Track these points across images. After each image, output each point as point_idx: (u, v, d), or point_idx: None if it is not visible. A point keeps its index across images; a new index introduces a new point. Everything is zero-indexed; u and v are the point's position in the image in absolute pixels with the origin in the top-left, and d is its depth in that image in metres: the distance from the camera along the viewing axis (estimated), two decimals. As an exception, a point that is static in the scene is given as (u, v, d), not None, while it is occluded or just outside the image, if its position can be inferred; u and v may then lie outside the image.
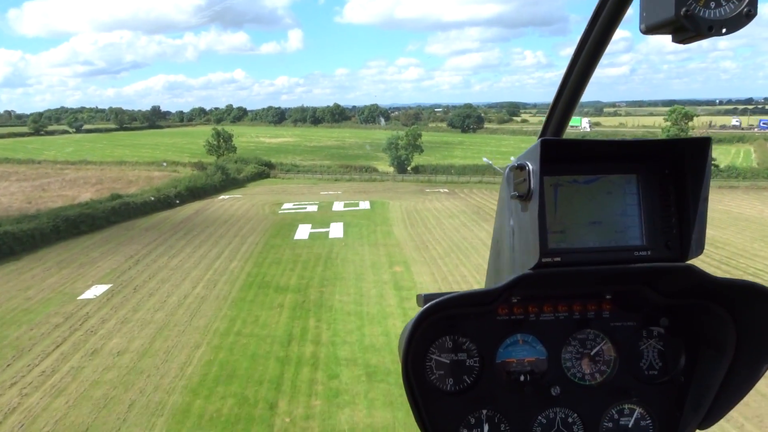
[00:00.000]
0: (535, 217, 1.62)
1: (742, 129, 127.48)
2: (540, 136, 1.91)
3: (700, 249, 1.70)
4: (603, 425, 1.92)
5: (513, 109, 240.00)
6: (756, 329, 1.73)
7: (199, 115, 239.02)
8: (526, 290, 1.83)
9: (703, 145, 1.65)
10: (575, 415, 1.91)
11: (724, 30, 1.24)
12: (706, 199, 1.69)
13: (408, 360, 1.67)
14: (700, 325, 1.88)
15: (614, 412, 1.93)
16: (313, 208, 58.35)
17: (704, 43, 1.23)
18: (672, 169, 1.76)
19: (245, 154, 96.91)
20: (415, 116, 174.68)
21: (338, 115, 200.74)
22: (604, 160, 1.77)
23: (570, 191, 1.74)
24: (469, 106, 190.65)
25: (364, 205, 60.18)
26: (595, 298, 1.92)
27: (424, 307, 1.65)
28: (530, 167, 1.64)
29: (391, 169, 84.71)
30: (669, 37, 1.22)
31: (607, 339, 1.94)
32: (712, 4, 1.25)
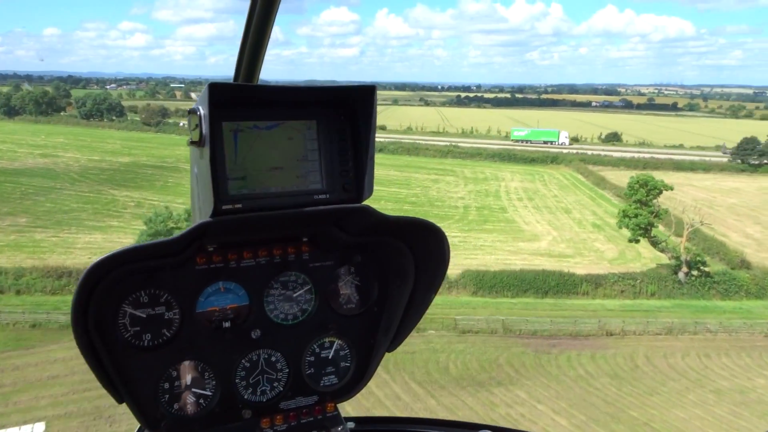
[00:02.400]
0: (207, 165, 1.56)
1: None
2: (233, 80, 2.04)
3: (370, 190, 1.84)
4: (305, 360, 2.05)
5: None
6: (429, 259, 2.01)
7: None
8: (214, 238, 1.81)
9: (369, 92, 1.79)
10: (278, 354, 1.99)
11: None
12: (374, 144, 1.82)
13: (79, 321, 1.60)
14: (388, 258, 2.10)
15: (315, 347, 2.07)
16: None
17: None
18: (347, 116, 1.87)
19: None
20: (161, 113, 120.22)
21: (46, 104, 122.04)
22: (285, 106, 1.80)
23: (251, 137, 1.73)
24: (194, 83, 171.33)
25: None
26: (294, 241, 1.98)
27: (90, 264, 1.56)
28: (201, 112, 1.59)
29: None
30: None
31: (308, 279, 2.02)
32: None
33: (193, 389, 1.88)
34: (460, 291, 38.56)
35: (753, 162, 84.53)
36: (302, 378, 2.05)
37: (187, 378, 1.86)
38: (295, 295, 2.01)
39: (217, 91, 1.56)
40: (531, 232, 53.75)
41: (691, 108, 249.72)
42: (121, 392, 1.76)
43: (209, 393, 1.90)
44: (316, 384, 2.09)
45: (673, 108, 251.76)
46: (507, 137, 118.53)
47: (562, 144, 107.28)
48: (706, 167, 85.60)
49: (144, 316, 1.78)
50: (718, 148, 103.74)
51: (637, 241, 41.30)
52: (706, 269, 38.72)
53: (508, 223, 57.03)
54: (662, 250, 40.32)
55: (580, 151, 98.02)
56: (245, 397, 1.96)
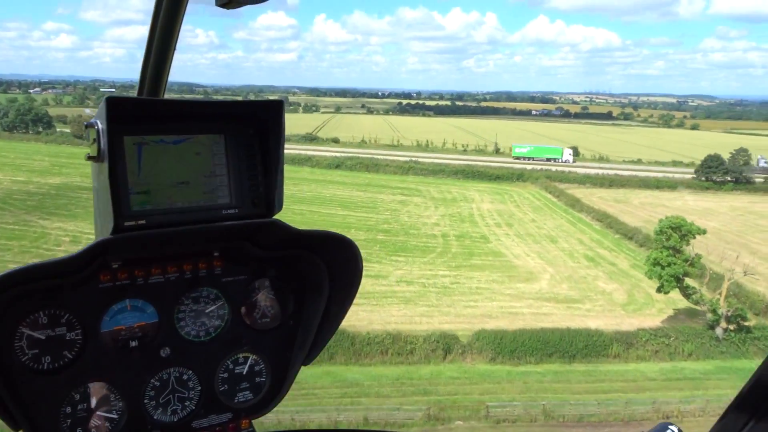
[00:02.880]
0: (106, 180, 1.55)
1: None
2: (138, 94, 1.97)
3: (280, 205, 1.87)
4: (218, 376, 2.00)
5: (186, 90, 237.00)
6: (342, 271, 2.02)
7: None
8: (117, 255, 1.77)
9: (277, 107, 1.80)
10: (190, 371, 1.94)
11: None
12: (282, 158, 1.84)
13: None
14: (302, 272, 2.09)
15: (229, 363, 2.02)
16: None
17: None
18: (256, 130, 1.87)
19: None
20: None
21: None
22: (193, 120, 1.78)
23: (156, 151, 1.71)
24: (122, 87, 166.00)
25: None
26: (205, 256, 1.94)
27: None
28: (99, 126, 1.57)
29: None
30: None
31: (221, 294, 1.98)
32: None
33: (99, 412, 1.79)
34: (476, 357, 32.40)
35: (717, 179, 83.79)
36: (215, 395, 2.00)
37: (92, 401, 1.78)
38: (207, 310, 1.96)
39: (115, 105, 1.54)
40: (525, 269, 48.49)
41: (626, 117, 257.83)
42: (17, 418, 1.65)
43: (116, 415, 1.82)
44: (230, 401, 2.03)
45: (609, 117, 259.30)
46: (465, 151, 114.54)
47: (565, 161, 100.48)
48: (671, 184, 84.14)
49: (43, 337, 1.70)
50: (675, 163, 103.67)
51: (667, 293, 36.56)
52: (746, 323, 34.39)
53: (496, 257, 51.58)
54: (696, 303, 35.73)
55: (544, 167, 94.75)
56: (155, 417, 1.89)
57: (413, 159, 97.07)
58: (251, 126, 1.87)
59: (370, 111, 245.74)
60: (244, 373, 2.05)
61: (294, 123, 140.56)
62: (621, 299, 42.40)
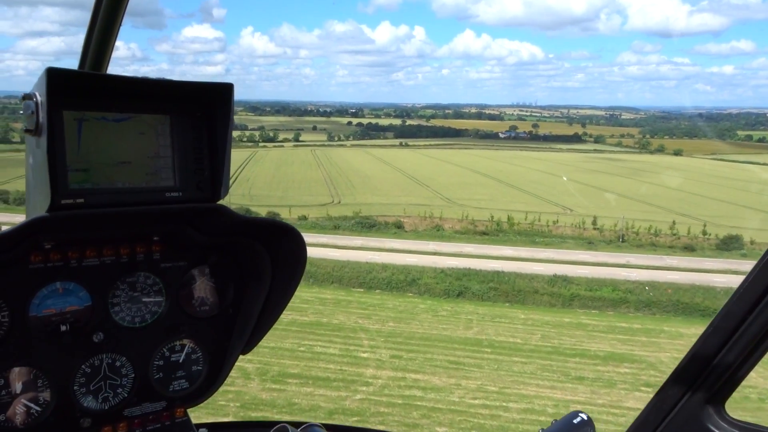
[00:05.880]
0: (44, 155, 1.47)
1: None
2: (78, 68, 1.77)
3: (226, 190, 1.78)
4: (153, 364, 1.94)
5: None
6: (285, 259, 1.96)
7: None
8: (51, 235, 1.68)
9: (227, 90, 1.73)
10: (123, 358, 1.88)
11: None
12: (230, 142, 1.76)
13: None
14: (244, 260, 2.02)
15: (165, 350, 1.96)
16: None
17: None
18: (203, 113, 1.78)
19: None
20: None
21: None
22: (138, 99, 1.69)
23: (97, 128, 1.63)
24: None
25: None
26: (144, 240, 1.86)
27: None
28: (38, 98, 1.49)
29: None
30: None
31: (158, 280, 1.92)
32: None
33: (23, 398, 1.74)
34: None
35: None
36: (149, 383, 1.97)
37: (17, 386, 1.73)
38: (143, 297, 1.92)
39: (56, 77, 1.46)
40: None
41: (597, 140, 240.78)
42: None
43: (42, 401, 1.77)
44: (164, 389, 2.00)
45: (577, 139, 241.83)
46: (589, 242, 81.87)
47: None
48: None
49: None
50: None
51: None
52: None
53: None
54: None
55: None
56: (85, 404, 1.85)
57: (557, 274, 54.82)
58: (199, 108, 1.79)
59: (332, 137, 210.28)
60: (181, 361, 2.00)
61: (295, 172, 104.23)
62: None
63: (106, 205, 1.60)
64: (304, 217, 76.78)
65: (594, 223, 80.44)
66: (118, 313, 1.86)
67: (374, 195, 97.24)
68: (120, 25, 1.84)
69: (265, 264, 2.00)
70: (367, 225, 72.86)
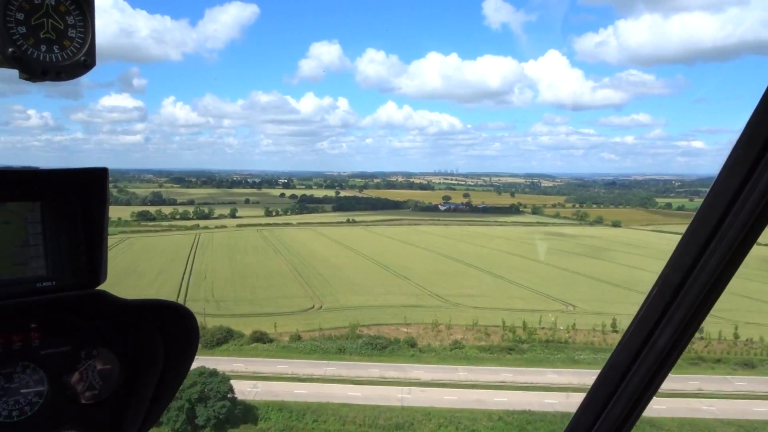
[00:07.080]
0: None
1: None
2: None
3: (105, 274, 1.76)
4: None
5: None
6: (177, 338, 1.92)
7: None
8: None
9: (101, 175, 1.71)
10: None
11: (61, 75, 1.31)
12: (107, 227, 1.75)
13: None
14: (135, 340, 1.93)
15: None
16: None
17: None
18: (77, 198, 1.74)
19: None
20: None
21: None
22: (2, 187, 1.65)
23: None
24: None
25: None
26: (20, 328, 1.76)
27: None
28: None
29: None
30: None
31: (39, 369, 1.80)
32: (43, 48, 1.29)
33: None
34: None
35: None
36: None
37: None
38: (21, 388, 1.76)
39: None
40: None
41: (534, 211, 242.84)
42: None
43: None
44: None
45: (516, 210, 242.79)
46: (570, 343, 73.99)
47: None
48: None
49: None
50: None
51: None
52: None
53: None
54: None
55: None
56: None
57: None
58: (72, 194, 1.74)
59: (269, 212, 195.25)
60: None
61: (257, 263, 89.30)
62: None
63: None
64: (298, 337, 62.73)
65: (614, 325, 72.35)
66: None
67: (356, 294, 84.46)
68: None
69: (157, 344, 1.91)
70: (378, 346, 59.72)
